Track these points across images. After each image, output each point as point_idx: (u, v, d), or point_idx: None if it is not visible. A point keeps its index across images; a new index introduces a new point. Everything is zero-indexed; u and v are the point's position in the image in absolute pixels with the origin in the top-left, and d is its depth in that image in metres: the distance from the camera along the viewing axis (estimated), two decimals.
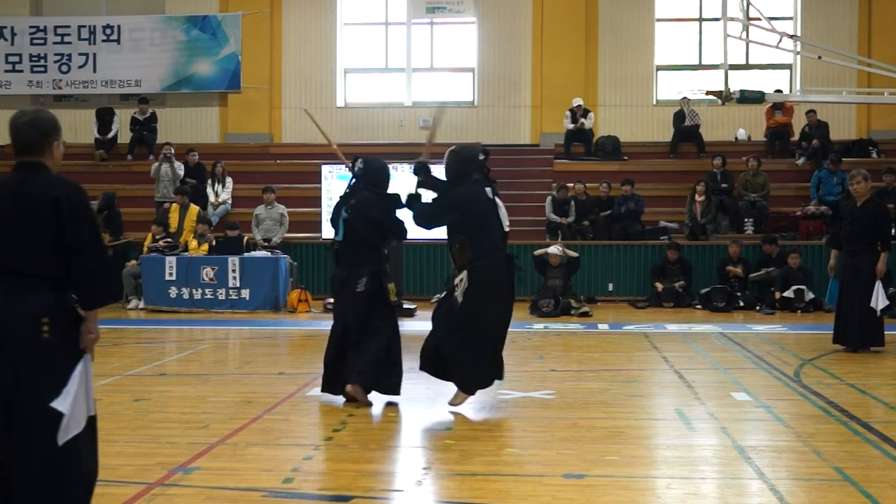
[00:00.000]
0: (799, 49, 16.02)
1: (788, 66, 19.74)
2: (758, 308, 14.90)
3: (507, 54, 20.03)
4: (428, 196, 7.41)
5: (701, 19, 20.15)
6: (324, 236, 14.43)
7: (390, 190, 7.62)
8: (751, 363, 9.59)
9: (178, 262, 14.56)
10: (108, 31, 20.13)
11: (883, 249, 10.20)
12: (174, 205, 15.86)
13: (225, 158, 18.32)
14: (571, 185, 17.05)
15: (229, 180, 17.75)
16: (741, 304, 14.99)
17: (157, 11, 20.54)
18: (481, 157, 7.33)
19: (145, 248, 15.17)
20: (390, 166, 7.90)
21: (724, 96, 14.80)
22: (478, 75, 20.25)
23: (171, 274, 14.50)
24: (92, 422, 4.17)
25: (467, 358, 7.01)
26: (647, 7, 19.95)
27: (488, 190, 7.20)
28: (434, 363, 7.22)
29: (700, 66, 19.99)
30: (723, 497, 5.06)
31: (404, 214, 7.52)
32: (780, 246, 15.62)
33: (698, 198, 16.64)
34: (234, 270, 14.51)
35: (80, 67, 20.15)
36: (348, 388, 7.19)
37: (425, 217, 7.31)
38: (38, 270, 4.05)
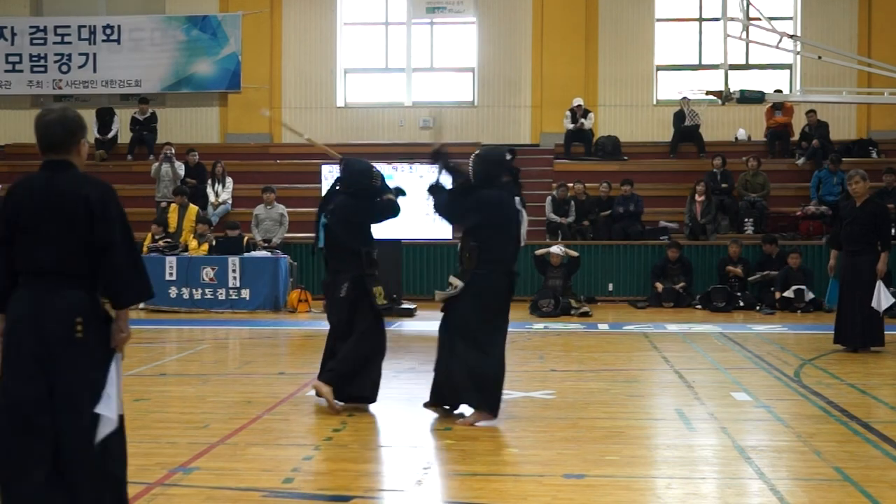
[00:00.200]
0: (799, 49, 16.02)
1: (788, 66, 19.74)
2: (758, 308, 14.90)
3: (507, 54, 20.04)
4: (448, 181, 7.16)
5: (701, 19, 20.15)
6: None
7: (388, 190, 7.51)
8: (751, 363, 9.59)
9: (178, 262, 14.56)
10: (108, 31, 20.13)
11: (883, 249, 10.19)
12: (173, 205, 15.87)
13: (225, 158, 18.32)
14: (571, 185, 17.05)
15: (229, 180, 17.76)
16: (741, 304, 14.99)
17: (157, 11, 20.54)
18: (508, 156, 7.12)
19: (145, 248, 15.15)
20: (391, 167, 7.83)
21: (724, 96, 14.81)
22: (478, 75, 20.25)
23: (171, 274, 14.50)
24: (120, 420, 4.15)
25: (468, 373, 6.70)
26: (647, 7, 19.95)
27: (517, 200, 6.95)
28: (441, 393, 6.91)
29: (700, 66, 19.99)
30: (723, 497, 5.07)
31: (401, 209, 7.41)
32: (780, 246, 15.62)
33: (698, 198, 16.64)
34: (234, 270, 14.52)
35: (80, 67, 20.15)
36: (313, 383, 7.10)
37: (446, 212, 7.05)
38: (68, 269, 4.01)
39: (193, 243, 15.15)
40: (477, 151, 7.08)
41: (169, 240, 15.30)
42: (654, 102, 20.07)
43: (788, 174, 18.24)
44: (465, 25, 20.38)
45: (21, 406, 3.96)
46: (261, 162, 19.30)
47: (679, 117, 18.90)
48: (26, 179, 4.14)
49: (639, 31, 19.96)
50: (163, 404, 7.39)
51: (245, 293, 14.53)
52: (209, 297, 14.50)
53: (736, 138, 19.51)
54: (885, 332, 10.34)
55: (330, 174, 14.83)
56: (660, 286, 15.41)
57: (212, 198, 17.41)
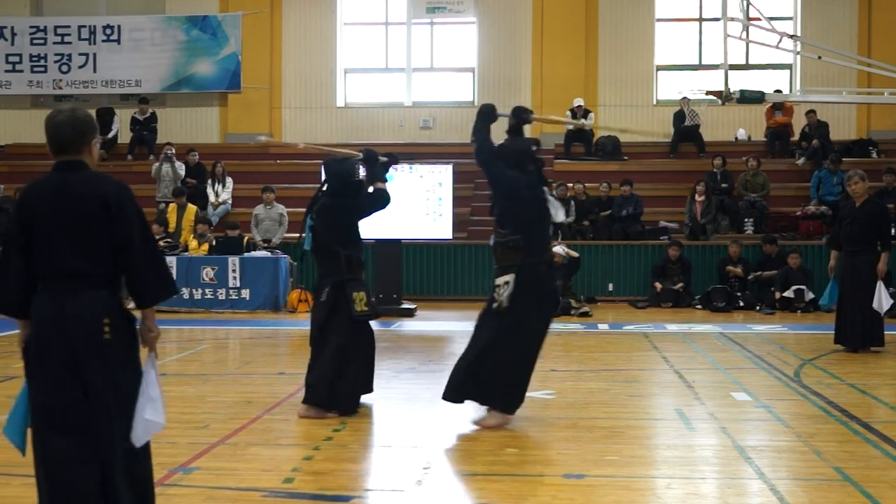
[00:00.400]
0: (799, 49, 16.00)
1: (788, 66, 19.75)
2: (758, 308, 14.90)
3: (507, 54, 20.04)
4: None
5: (701, 19, 20.17)
6: None
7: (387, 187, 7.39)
8: (751, 363, 9.59)
9: (179, 262, 14.56)
10: (108, 31, 20.13)
11: (883, 249, 10.18)
12: (172, 205, 15.87)
13: (225, 158, 18.32)
14: (571, 185, 17.05)
15: (229, 180, 17.76)
16: (741, 304, 15.00)
17: (158, 11, 20.55)
18: (534, 147, 6.90)
19: None
20: (391, 167, 7.75)
21: (724, 96, 14.78)
22: (478, 75, 20.25)
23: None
24: None
25: (521, 375, 6.56)
26: (647, 7, 19.95)
27: (545, 189, 6.75)
28: (462, 387, 6.60)
29: (700, 66, 20.00)
30: (723, 497, 5.06)
31: (391, 198, 7.27)
32: (780, 246, 15.63)
33: (698, 198, 16.64)
34: (234, 270, 14.52)
35: (81, 67, 20.16)
36: (298, 412, 6.88)
37: (483, 155, 6.68)
38: (89, 270, 3.96)
39: (193, 243, 15.15)
40: (501, 143, 6.88)
41: (169, 240, 15.31)
42: (654, 102, 20.08)
43: (788, 174, 18.24)
44: (465, 25, 20.39)
45: (55, 412, 3.91)
46: (261, 162, 19.30)
47: (679, 117, 18.91)
48: (39, 182, 4.08)
49: (639, 31, 19.96)
50: None
51: (245, 293, 14.53)
52: (209, 297, 14.51)
53: (736, 138, 19.51)
54: (885, 333, 10.34)
55: None
56: (658, 286, 15.42)
57: (212, 198, 17.41)
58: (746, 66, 19.57)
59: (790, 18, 19.59)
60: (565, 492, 5.07)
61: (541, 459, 5.78)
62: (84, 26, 20.18)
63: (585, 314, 14.09)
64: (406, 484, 5.28)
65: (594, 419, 6.88)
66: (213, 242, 15.10)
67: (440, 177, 14.31)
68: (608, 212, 16.88)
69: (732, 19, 14.52)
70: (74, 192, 3.97)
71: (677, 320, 13.56)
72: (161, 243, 15.17)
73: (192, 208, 15.82)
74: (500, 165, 6.62)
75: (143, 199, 17.42)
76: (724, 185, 17.21)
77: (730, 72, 14.39)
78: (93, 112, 20.67)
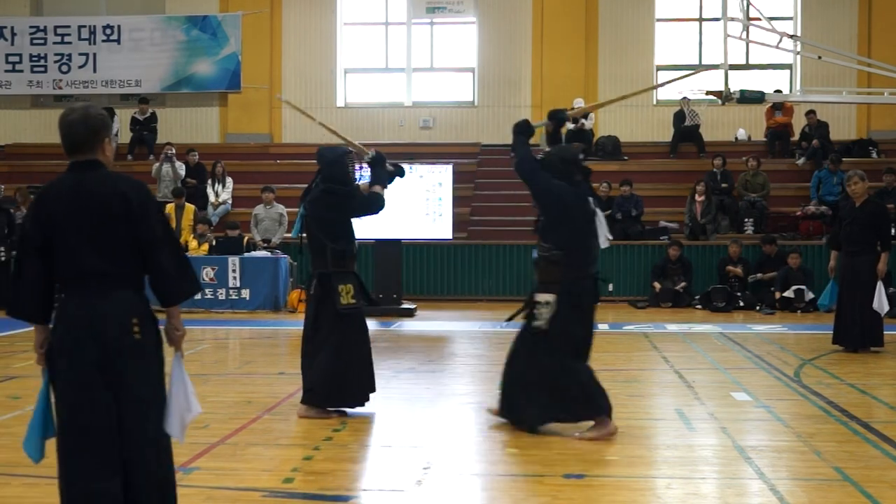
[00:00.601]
0: (799, 49, 16.00)
1: (788, 66, 19.74)
2: (758, 308, 14.90)
3: (507, 54, 20.03)
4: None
5: (701, 19, 20.16)
6: None
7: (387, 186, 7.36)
8: (751, 363, 9.59)
9: None
10: (108, 31, 20.13)
11: (883, 249, 10.18)
12: (171, 205, 15.87)
13: (225, 158, 18.32)
14: None
15: (229, 180, 17.76)
16: (741, 304, 15.00)
17: (157, 11, 20.55)
18: (581, 156, 6.74)
19: None
20: (395, 177, 7.66)
21: (724, 96, 14.78)
22: (478, 75, 20.25)
23: None
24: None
25: (586, 378, 6.36)
26: (647, 7, 19.95)
27: (591, 201, 6.62)
28: (544, 411, 6.36)
29: (700, 66, 19.97)
30: (723, 497, 5.07)
31: (385, 203, 7.21)
32: (780, 246, 15.62)
33: (698, 198, 16.64)
34: (234, 270, 14.52)
35: (80, 67, 20.14)
36: (297, 412, 6.89)
37: (525, 166, 6.50)
38: (114, 271, 3.92)
39: (193, 243, 15.15)
40: (547, 150, 6.71)
41: None
42: (655, 102, 20.07)
43: (788, 174, 18.23)
44: (465, 25, 20.38)
45: (84, 411, 3.88)
46: (261, 162, 19.30)
47: (679, 117, 18.91)
48: (55, 183, 4.02)
49: (639, 31, 19.96)
50: None
51: (245, 293, 14.53)
52: (209, 297, 14.50)
53: (736, 138, 19.51)
54: (885, 333, 10.34)
55: None
56: (658, 286, 15.41)
57: (212, 198, 17.41)
58: (746, 66, 19.56)
59: (790, 18, 19.58)
60: (565, 492, 5.07)
61: (541, 459, 5.78)
62: (84, 26, 20.18)
63: None
64: (406, 484, 5.28)
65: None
66: (213, 242, 15.09)
67: (440, 177, 14.32)
68: (608, 212, 16.86)
69: (732, 19, 14.51)
70: (91, 191, 3.92)
71: (677, 320, 13.56)
72: None
73: (190, 208, 15.82)
74: (546, 175, 6.46)
75: None
76: (724, 185, 17.21)
77: (730, 72, 14.39)
78: None
